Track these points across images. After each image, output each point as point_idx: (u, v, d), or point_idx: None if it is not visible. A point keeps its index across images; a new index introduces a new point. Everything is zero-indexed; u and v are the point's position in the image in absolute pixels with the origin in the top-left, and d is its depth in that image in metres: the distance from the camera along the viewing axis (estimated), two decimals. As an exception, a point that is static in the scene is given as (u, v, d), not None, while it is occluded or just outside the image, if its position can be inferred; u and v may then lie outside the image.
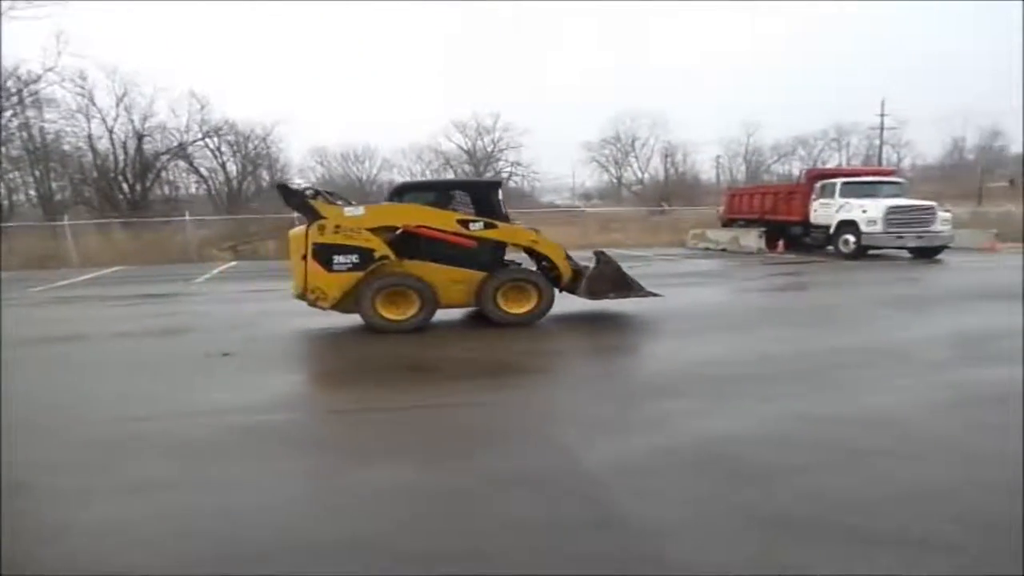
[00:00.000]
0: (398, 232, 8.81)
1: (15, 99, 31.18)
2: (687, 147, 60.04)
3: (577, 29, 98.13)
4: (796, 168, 58.61)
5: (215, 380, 6.74)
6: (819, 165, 56.06)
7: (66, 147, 35.28)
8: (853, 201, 18.82)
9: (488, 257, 9.20)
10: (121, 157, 34.68)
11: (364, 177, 53.81)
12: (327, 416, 5.57)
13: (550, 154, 79.30)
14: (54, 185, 36.39)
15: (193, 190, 41.11)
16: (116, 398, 6.08)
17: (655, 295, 9.82)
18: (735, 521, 3.41)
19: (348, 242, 8.48)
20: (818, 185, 20.51)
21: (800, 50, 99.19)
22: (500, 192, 9.59)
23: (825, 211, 19.81)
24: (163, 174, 37.86)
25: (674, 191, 45.23)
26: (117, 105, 34.33)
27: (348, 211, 8.65)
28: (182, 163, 38.65)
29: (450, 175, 56.88)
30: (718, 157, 66.45)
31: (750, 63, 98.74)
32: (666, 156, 59.29)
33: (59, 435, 5.07)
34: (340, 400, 6.02)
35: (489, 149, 57.64)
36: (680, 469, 4.08)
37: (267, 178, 40.19)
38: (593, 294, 9.36)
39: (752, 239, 21.52)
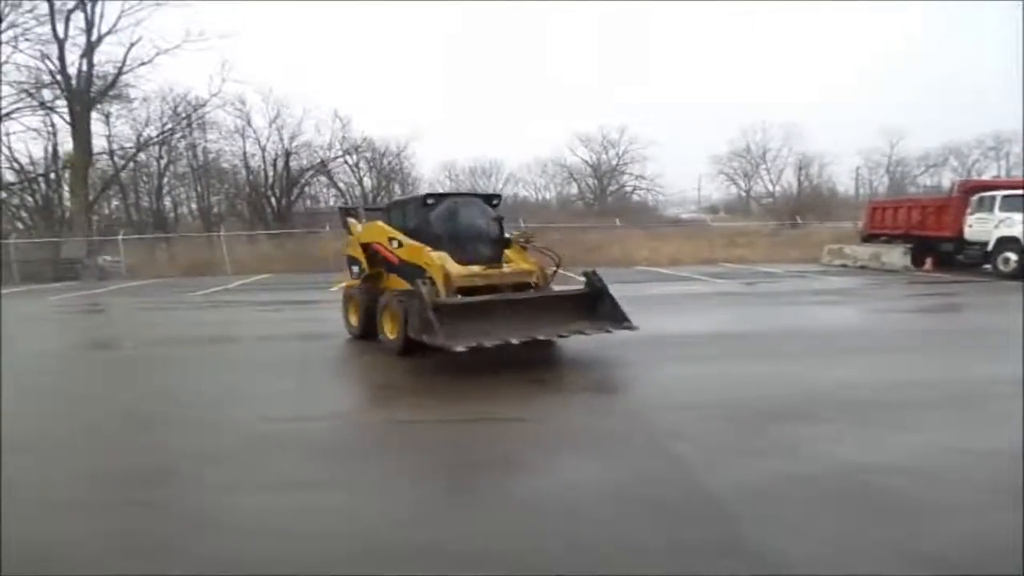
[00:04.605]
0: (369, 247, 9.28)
1: (184, 122, 34.62)
2: (823, 158, 56.86)
3: (707, 37, 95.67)
4: (947, 180, 53.94)
5: (348, 383, 7.14)
6: (974, 176, 51.29)
7: (224, 165, 38.75)
8: (1016, 216, 17.16)
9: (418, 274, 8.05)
10: (271, 173, 37.55)
11: (491, 191, 55.06)
12: (447, 423, 5.74)
13: (675, 167, 77.43)
14: (212, 199, 39.98)
15: (332, 203, 43.68)
16: (261, 398, 6.58)
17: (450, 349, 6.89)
18: (882, 557, 3.19)
19: (352, 253, 9.72)
20: (974, 198, 18.86)
21: (952, 49, 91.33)
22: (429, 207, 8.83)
23: (982, 226, 18.18)
24: (306, 189, 40.54)
25: (807, 204, 42.93)
26: (270, 125, 37.23)
27: (357, 227, 9.77)
28: (323, 178, 41.22)
29: (574, 189, 57.04)
30: (857, 168, 62.40)
31: (895, 65, 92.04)
32: (800, 168, 56.46)
33: (211, 430, 5.55)
34: (462, 409, 6.18)
35: (614, 163, 57.32)
36: (816, 498, 3.87)
37: (400, 192, 42.01)
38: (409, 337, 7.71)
39: (896, 256, 20.06)
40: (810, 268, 21.46)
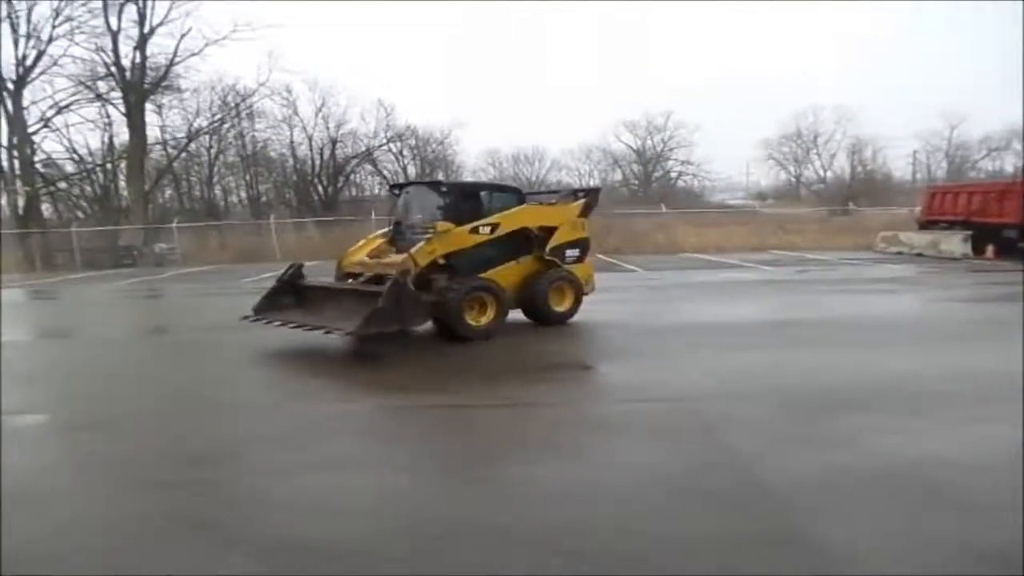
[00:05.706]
0: None
1: (233, 112, 35.35)
2: (877, 142, 54.98)
3: (750, 20, 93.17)
4: (1010, 164, 51.67)
5: (389, 368, 7.24)
6: (1040, 160, 49.07)
7: (272, 154, 39.43)
8: (1086, 201, 16.41)
9: None
10: (317, 161, 38.10)
11: (534, 178, 54.76)
12: (487, 408, 5.77)
13: (723, 152, 75.78)
14: (261, 187, 40.80)
15: (376, 191, 44.13)
16: (306, 382, 6.74)
17: None
18: (944, 552, 3.11)
19: None
20: (1040, 183, 18.10)
21: (1015, 30, 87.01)
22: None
23: (1049, 212, 17.43)
24: (351, 177, 41.04)
25: (861, 190, 41.72)
26: (316, 114, 37.68)
27: None
28: (368, 166, 41.64)
29: (618, 175, 56.47)
30: (915, 153, 60.21)
31: (955, 46, 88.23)
32: (853, 152, 54.73)
33: (264, 413, 5.72)
34: (498, 395, 6.22)
35: (659, 148, 56.51)
36: (874, 491, 3.77)
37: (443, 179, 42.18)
38: None
39: (955, 243, 19.36)
40: (863, 255, 20.87)
